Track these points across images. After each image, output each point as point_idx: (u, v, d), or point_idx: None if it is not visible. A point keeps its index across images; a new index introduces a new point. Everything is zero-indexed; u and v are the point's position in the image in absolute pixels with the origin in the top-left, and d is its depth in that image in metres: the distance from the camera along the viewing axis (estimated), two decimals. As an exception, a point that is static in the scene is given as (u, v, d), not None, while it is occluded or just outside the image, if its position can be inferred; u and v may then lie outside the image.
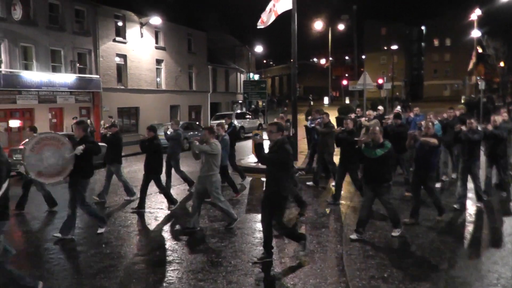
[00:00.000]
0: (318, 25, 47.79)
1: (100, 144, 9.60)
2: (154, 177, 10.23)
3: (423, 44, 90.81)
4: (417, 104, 31.81)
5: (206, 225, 8.86)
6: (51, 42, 23.98)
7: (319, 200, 10.78)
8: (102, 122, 24.70)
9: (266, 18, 15.28)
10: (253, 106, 47.18)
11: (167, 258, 7.24)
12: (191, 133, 23.27)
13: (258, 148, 6.55)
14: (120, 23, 29.00)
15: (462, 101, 44.62)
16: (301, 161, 15.73)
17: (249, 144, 20.52)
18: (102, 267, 6.83)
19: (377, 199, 7.71)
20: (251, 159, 16.61)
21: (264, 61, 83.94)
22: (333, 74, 79.70)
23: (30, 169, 7.74)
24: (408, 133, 9.03)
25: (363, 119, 13.51)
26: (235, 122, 30.42)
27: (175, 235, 8.47)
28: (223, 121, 14.39)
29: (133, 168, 16.80)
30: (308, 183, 12.24)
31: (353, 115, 14.46)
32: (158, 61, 32.58)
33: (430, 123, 8.70)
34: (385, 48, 72.67)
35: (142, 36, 30.56)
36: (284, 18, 15.82)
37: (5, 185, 5.16)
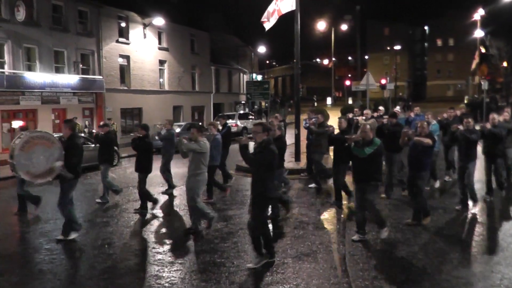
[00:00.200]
0: (321, 25, 47.92)
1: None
2: (140, 176, 10.22)
3: (426, 44, 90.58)
4: (420, 104, 31.69)
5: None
6: (54, 43, 24.02)
7: (321, 201, 10.77)
8: (102, 123, 24.66)
9: (269, 18, 15.25)
10: (256, 106, 47.15)
11: (170, 258, 7.25)
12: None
13: (243, 149, 6.50)
14: (123, 24, 29.03)
15: (465, 101, 44.54)
16: (303, 162, 15.69)
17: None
18: (105, 267, 6.85)
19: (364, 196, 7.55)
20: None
21: (267, 62, 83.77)
22: (336, 74, 79.46)
23: (19, 169, 7.71)
24: (402, 131, 8.92)
25: (360, 117, 13.42)
26: (238, 122, 30.56)
27: (178, 236, 8.47)
28: (217, 122, 14.21)
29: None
30: (310, 185, 12.19)
31: (350, 115, 14.43)
32: (161, 62, 32.60)
33: (425, 123, 8.66)
34: (388, 48, 72.54)
35: (145, 37, 30.59)
36: (287, 19, 15.83)
37: None
